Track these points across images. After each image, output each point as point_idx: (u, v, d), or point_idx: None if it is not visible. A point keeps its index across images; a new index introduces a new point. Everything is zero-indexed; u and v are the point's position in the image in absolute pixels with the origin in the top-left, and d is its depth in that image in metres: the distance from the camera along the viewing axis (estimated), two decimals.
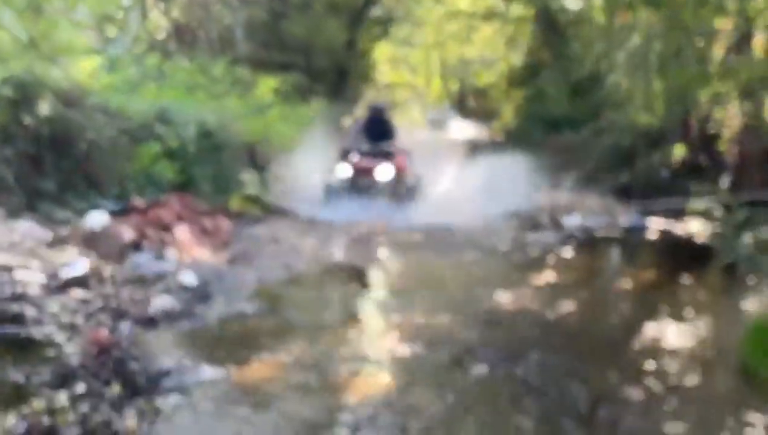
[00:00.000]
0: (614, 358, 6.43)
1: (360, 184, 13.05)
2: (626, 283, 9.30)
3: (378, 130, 14.03)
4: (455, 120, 42.78)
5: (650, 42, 13.28)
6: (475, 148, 24.37)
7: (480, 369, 5.90)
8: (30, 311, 6.13)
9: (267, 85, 16.90)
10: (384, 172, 13.14)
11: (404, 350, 6.29)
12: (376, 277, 9.25)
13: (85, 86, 10.19)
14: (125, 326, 6.26)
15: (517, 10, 27.00)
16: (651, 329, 7.23)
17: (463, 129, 38.88)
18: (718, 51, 12.77)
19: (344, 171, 13.18)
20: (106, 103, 10.56)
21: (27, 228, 8.16)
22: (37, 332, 5.79)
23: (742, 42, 11.86)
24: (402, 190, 13.20)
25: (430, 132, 37.03)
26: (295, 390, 5.33)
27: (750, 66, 10.35)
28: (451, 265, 9.83)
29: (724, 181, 12.91)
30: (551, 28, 24.27)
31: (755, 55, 11.44)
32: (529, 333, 7.01)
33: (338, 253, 10.17)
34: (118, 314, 6.46)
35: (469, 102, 45.98)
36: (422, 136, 30.14)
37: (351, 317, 7.41)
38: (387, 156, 13.47)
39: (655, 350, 6.62)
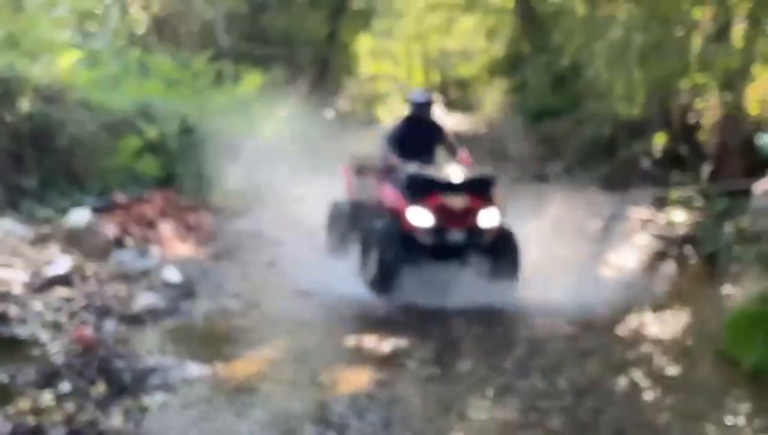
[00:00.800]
0: (596, 348, 6.48)
1: (447, 240, 7.86)
2: (608, 272, 9.35)
3: (426, 139, 8.97)
4: (439, 111, 42.45)
5: (630, 33, 13.34)
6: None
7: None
8: (13, 310, 6.11)
9: (251, 80, 16.80)
10: (489, 217, 7.97)
11: (387, 342, 6.34)
12: None
13: (66, 82, 10.12)
14: (110, 324, 6.25)
15: (497, 1, 27.03)
16: (633, 318, 7.29)
17: (446, 121, 38.43)
18: (698, 41, 12.86)
19: (418, 217, 7.78)
20: (87, 99, 10.51)
21: (9, 226, 8.12)
22: (21, 331, 5.78)
23: (721, 32, 11.94)
24: (509, 249, 8.05)
25: None
26: (280, 385, 5.34)
27: (729, 56, 10.41)
28: None
29: (705, 171, 12.98)
30: (531, 19, 24.28)
31: (734, 46, 11.52)
32: None
33: None
34: (103, 312, 6.44)
35: (451, 93, 45.85)
36: None
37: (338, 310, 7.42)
38: (481, 188, 8.16)
39: (636, 339, 6.67)
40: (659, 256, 10.11)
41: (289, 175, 15.35)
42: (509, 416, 5.04)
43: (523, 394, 5.37)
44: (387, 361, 6.00)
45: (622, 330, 7.00)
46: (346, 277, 8.07)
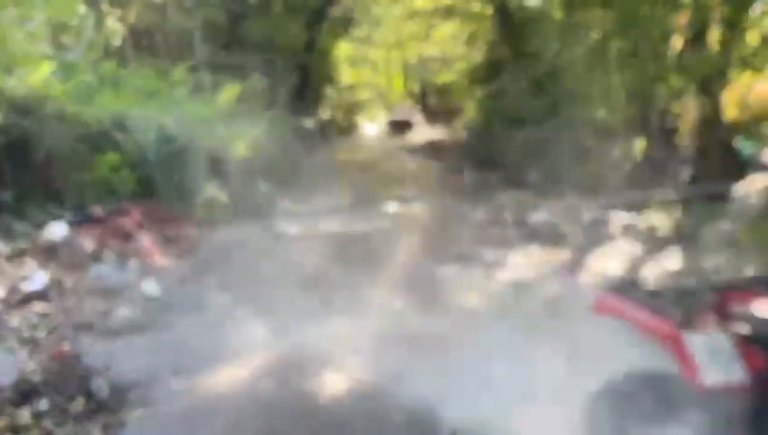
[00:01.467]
0: None
1: None
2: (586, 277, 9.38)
3: None
4: (418, 120, 42.27)
5: (607, 39, 13.43)
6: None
7: None
8: None
9: (230, 89, 16.76)
10: None
11: (370, 355, 6.31)
12: None
13: (41, 94, 10.03)
14: (88, 339, 6.20)
15: (475, 7, 27.11)
16: None
17: (425, 131, 37.90)
18: (675, 46, 12.96)
19: None
20: (62, 111, 10.41)
21: None
22: None
23: (697, 37, 12.05)
24: None
25: (391, 136, 36.38)
26: (260, 399, 5.31)
27: (705, 61, 10.49)
28: None
29: (684, 174, 13.08)
30: (509, 25, 24.40)
31: (711, 50, 11.62)
32: None
33: None
34: (81, 327, 6.41)
35: (430, 100, 45.92)
36: (383, 141, 29.78)
37: (317, 320, 7.38)
38: None
39: None
40: (640, 261, 10.16)
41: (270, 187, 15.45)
42: None
43: None
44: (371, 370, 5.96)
45: None
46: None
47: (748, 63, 10.05)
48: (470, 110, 31.16)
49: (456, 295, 8.22)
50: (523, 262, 10.02)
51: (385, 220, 13.40)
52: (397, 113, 43.12)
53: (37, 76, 10.26)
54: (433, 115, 42.46)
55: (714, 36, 12.12)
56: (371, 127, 40.14)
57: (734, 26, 10.46)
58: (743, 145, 12.29)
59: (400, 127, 39.80)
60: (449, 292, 8.31)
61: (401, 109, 44.07)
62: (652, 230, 11.48)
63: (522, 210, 13.39)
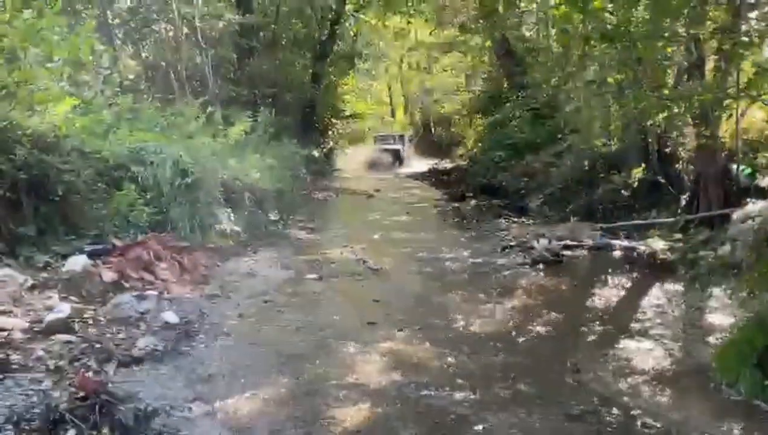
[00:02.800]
0: (582, 384, 6.40)
1: None
2: (596, 301, 9.35)
3: None
4: (411, 149, 40.02)
5: (606, 71, 13.48)
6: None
7: None
8: (15, 357, 6.04)
9: (241, 123, 16.90)
10: None
11: (388, 374, 6.30)
12: None
13: (61, 131, 10.11)
14: (111, 368, 6.18)
15: (476, 39, 27.28)
16: (622, 349, 7.27)
17: (419, 163, 35.86)
18: (672, 76, 13.01)
19: None
20: (81, 146, 10.48)
21: (8, 273, 8.06)
22: (23, 378, 5.70)
23: (694, 67, 12.09)
24: None
25: (383, 169, 33.95)
26: (282, 424, 5.29)
27: (702, 90, 10.52)
28: None
29: (683, 200, 13.08)
30: (510, 57, 24.55)
31: (707, 79, 11.65)
32: None
33: None
34: (104, 356, 6.37)
35: (434, 130, 46.11)
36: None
37: (332, 345, 7.36)
38: None
39: (627, 371, 6.61)
40: (639, 286, 10.14)
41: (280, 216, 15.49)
42: None
43: None
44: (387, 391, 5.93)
45: (610, 361, 6.95)
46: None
47: (744, 92, 10.07)
48: (471, 139, 31.29)
49: None
50: None
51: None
52: (386, 140, 38.94)
53: (58, 113, 10.34)
54: (433, 145, 42.46)
55: (711, 66, 12.19)
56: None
57: (730, 58, 10.49)
58: (741, 172, 12.31)
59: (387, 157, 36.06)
60: None
61: (388, 135, 40.21)
62: (651, 255, 11.45)
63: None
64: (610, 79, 13.69)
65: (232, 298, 9.09)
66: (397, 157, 36.24)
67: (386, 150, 36.71)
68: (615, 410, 5.66)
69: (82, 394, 5.36)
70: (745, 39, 9.70)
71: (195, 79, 20.87)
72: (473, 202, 19.91)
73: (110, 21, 20.13)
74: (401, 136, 39.44)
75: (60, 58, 11.01)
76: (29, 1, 10.72)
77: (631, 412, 5.61)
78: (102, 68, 16.12)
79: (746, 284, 8.19)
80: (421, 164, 35.08)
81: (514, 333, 7.83)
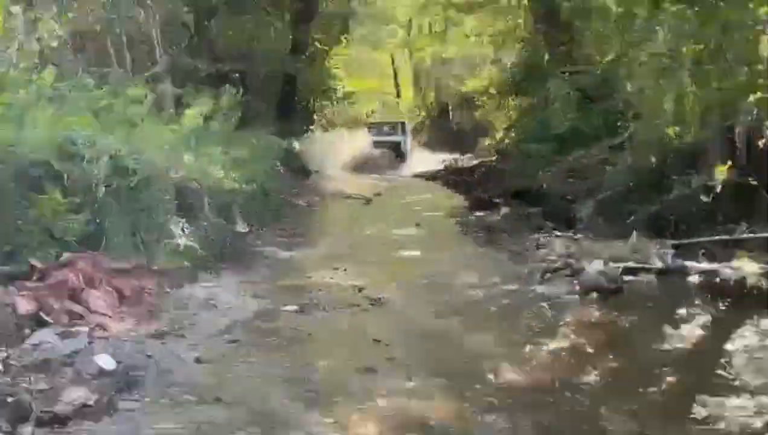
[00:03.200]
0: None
1: None
2: (668, 344, 9.32)
3: None
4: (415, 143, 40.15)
5: (680, 40, 13.43)
6: None
7: None
8: None
9: (199, 107, 16.84)
10: None
11: None
12: None
13: None
14: (27, 430, 6.17)
15: None
16: (704, 408, 7.25)
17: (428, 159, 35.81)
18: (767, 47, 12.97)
19: None
20: None
21: None
22: None
23: None
24: None
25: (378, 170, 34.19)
26: None
27: None
28: None
29: None
30: (552, 20, 24.49)
31: None
32: None
33: None
34: (17, 413, 6.36)
35: (451, 115, 45.95)
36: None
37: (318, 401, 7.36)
38: None
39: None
40: (725, 323, 10.12)
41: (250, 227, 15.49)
42: None
43: None
44: None
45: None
46: None
47: None
48: (501, 128, 31.32)
49: None
50: None
51: None
52: (382, 130, 38.98)
53: None
54: (450, 135, 42.42)
55: None
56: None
57: None
58: None
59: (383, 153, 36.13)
60: None
61: (388, 126, 40.00)
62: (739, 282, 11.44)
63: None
64: (685, 50, 13.67)
65: (186, 337, 9.08)
66: (397, 153, 36.63)
67: (382, 143, 36.87)
68: None
69: None
70: None
71: (138, 48, 20.79)
72: (504, 210, 19.94)
73: None
74: (402, 125, 39.41)
75: None
76: None
77: None
78: (15, 34, 16.06)
79: None
80: (432, 160, 35.02)
81: (559, 386, 7.82)
